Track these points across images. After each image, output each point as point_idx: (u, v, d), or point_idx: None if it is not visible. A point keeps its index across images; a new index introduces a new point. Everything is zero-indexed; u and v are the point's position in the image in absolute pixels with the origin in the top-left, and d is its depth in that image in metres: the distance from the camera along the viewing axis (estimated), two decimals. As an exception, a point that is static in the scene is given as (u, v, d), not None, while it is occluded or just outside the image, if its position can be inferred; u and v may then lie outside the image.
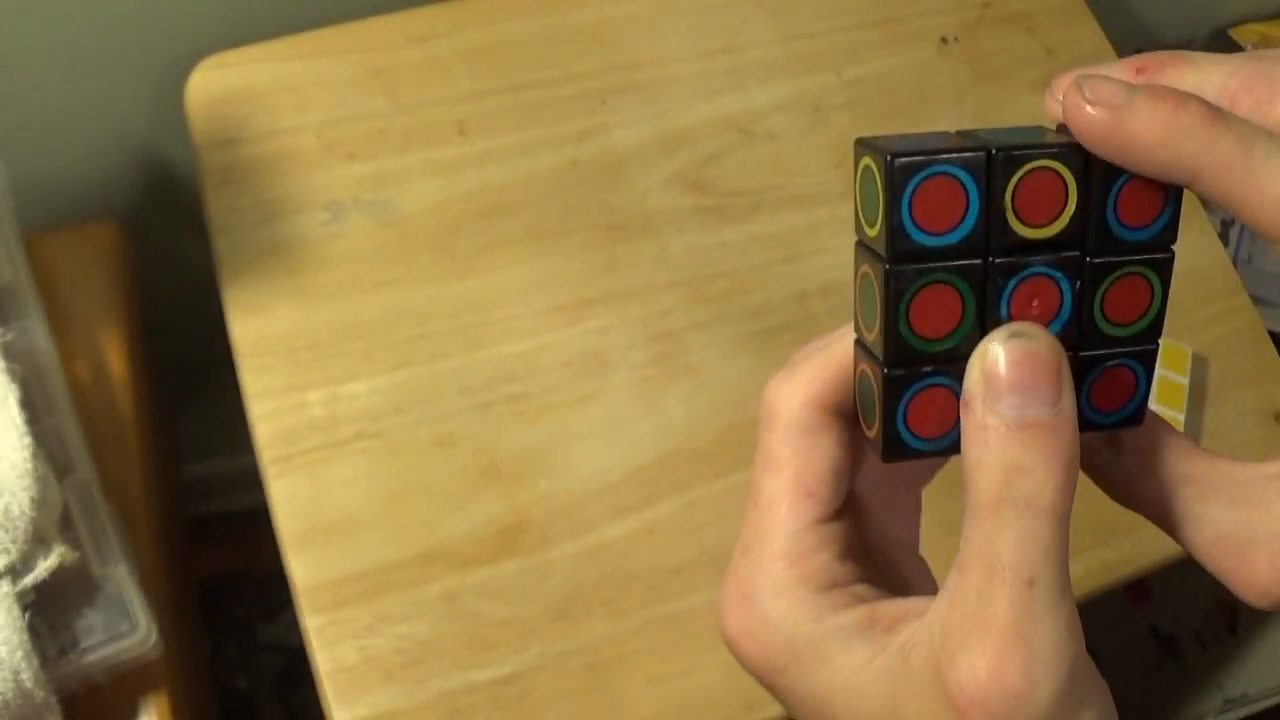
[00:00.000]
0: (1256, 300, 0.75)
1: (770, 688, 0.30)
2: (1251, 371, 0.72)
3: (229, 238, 0.64)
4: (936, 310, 0.28)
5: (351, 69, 0.69)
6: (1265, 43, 1.03)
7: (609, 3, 0.73)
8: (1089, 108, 0.27)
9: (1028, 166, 0.27)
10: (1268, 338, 0.74)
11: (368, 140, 0.67)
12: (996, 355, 0.27)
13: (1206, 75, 0.28)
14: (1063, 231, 0.28)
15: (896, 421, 0.28)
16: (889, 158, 0.27)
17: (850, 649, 0.28)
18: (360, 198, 0.66)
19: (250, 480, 0.60)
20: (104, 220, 0.67)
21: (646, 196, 0.69)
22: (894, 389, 0.28)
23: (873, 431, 0.29)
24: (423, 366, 0.62)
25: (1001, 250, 0.28)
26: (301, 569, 0.58)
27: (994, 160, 0.27)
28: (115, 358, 0.63)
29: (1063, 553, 0.26)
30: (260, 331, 0.62)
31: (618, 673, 0.58)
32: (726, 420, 0.64)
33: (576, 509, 0.61)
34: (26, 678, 0.48)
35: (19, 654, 0.48)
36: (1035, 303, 0.28)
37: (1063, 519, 0.26)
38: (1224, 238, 0.98)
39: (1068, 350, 0.29)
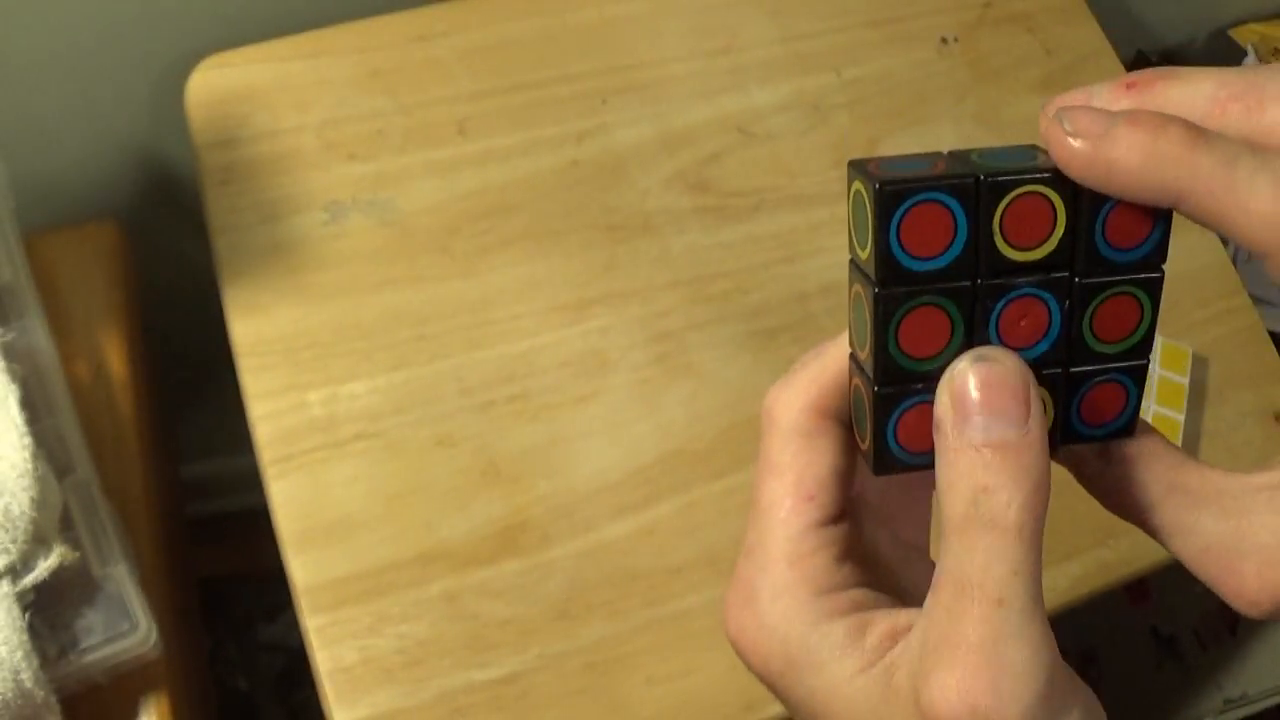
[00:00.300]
0: (1256, 300, 0.75)
1: (771, 688, 0.31)
2: (1251, 371, 0.72)
3: (229, 238, 0.64)
4: (925, 331, 0.28)
5: (351, 69, 0.69)
6: (1265, 43, 1.03)
7: (609, 3, 0.73)
8: (1070, 139, 0.27)
9: (1016, 192, 0.27)
10: (1268, 338, 0.74)
11: (368, 140, 0.67)
12: (964, 379, 0.27)
13: (1196, 86, 0.28)
14: (1051, 253, 0.28)
15: (886, 437, 0.29)
16: (877, 185, 0.27)
17: (840, 659, 0.28)
18: (360, 198, 0.66)
19: (250, 480, 0.60)
20: (104, 220, 0.67)
21: (646, 196, 0.69)
22: (884, 406, 0.29)
23: (865, 444, 0.30)
24: (423, 366, 0.62)
25: (990, 273, 0.28)
26: (301, 569, 0.58)
27: (982, 186, 0.27)
28: (115, 358, 0.63)
29: (1033, 571, 0.26)
30: (260, 331, 0.62)
31: (618, 673, 0.58)
32: (726, 420, 0.64)
33: (576, 509, 0.61)
34: (26, 678, 0.48)
35: (19, 654, 0.48)
36: (1024, 322, 0.29)
37: (1031, 538, 0.26)
38: (1224, 238, 0.98)
39: (1057, 367, 0.29)
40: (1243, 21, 1.07)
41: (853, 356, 0.30)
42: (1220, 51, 1.06)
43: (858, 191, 0.28)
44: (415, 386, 0.62)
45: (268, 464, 0.59)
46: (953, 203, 0.27)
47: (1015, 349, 0.29)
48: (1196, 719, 1.08)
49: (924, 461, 0.29)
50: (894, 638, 0.28)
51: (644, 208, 0.69)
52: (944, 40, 0.77)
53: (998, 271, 0.28)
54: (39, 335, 0.57)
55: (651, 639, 0.59)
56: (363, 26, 0.70)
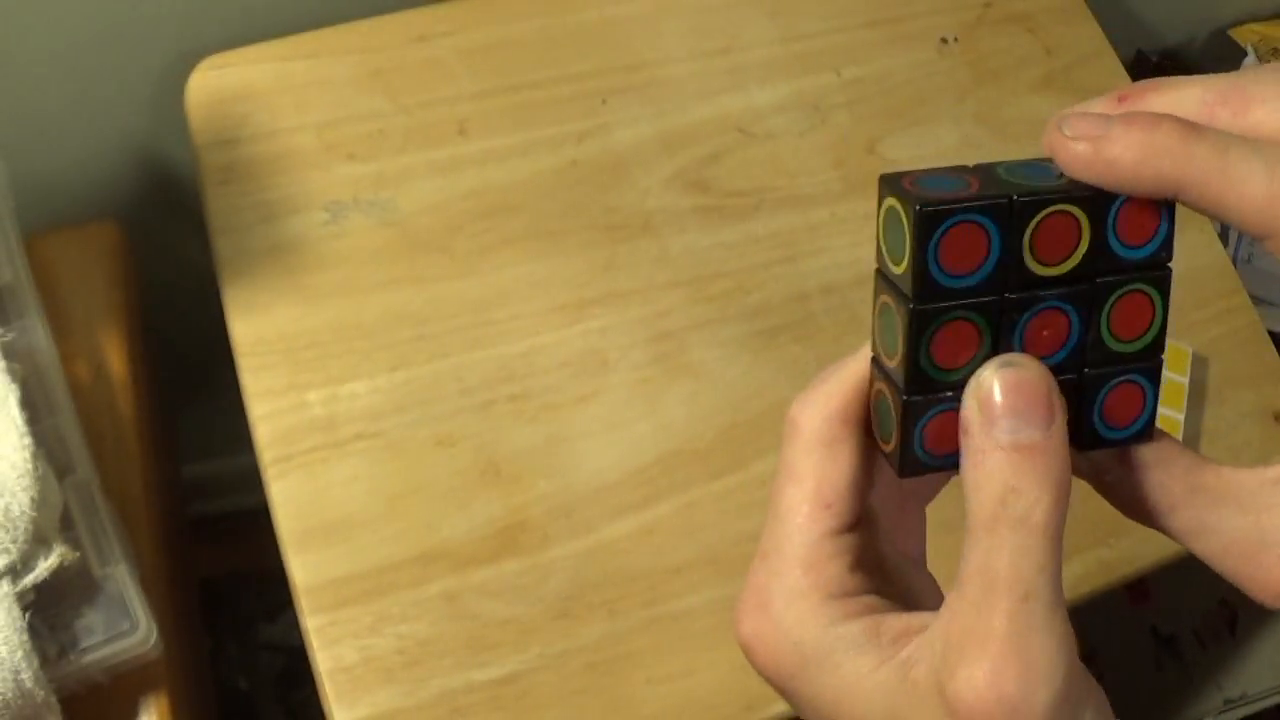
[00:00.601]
0: (1256, 300, 0.75)
1: (782, 692, 0.31)
2: (1251, 371, 0.72)
3: (229, 238, 0.64)
4: (955, 343, 0.29)
5: (351, 69, 0.69)
6: (1265, 43, 1.03)
7: (609, 3, 0.73)
8: (1071, 143, 0.29)
9: (1046, 211, 0.29)
10: (1267, 338, 0.74)
11: (368, 140, 0.67)
12: (991, 383, 0.28)
13: (1184, 93, 0.29)
14: (1075, 268, 0.29)
15: (913, 441, 0.30)
16: (918, 205, 0.28)
17: (856, 656, 0.29)
18: (360, 198, 0.66)
19: (250, 480, 0.60)
20: (104, 220, 0.67)
21: (646, 196, 0.69)
22: (912, 413, 0.30)
23: (889, 447, 0.31)
24: (423, 366, 0.62)
25: (1018, 287, 0.29)
26: (301, 569, 0.58)
27: (1015, 206, 0.29)
28: (115, 358, 0.63)
29: (1056, 568, 0.27)
30: (260, 331, 0.62)
31: (618, 673, 0.58)
32: (726, 420, 0.64)
33: (576, 509, 0.61)
34: (26, 678, 0.48)
35: (19, 654, 0.48)
36: (1046, 333, 0.30)
37: (1055, 537, 0.27)
38: (1224, 238, 0.98)
39: (1079, 368, 0.30)
40: (1242, 21, 1.07)
41: (876, 361, 0.31)
42: (1220, 51, 1.06)
43: (892, 208, 0.29)
44: (415, 386, 0.62)
45: (268, 464, 0.59)
46: (988, 222, 0.28)
47: (1041, 354, 0.30)
48: (1196, 719, 1.08)
49: (949, 463, 0.30)
50: (908, 636, 0.29)
51: (644, 208, 0.69)
52: (944, 40, 0.77)
53: (1025, 286, 0.29)
54: (39, 335, 0.57)
55: (651, 639, 0.59)
56: (363, 26, 0.70)
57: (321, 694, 0.56)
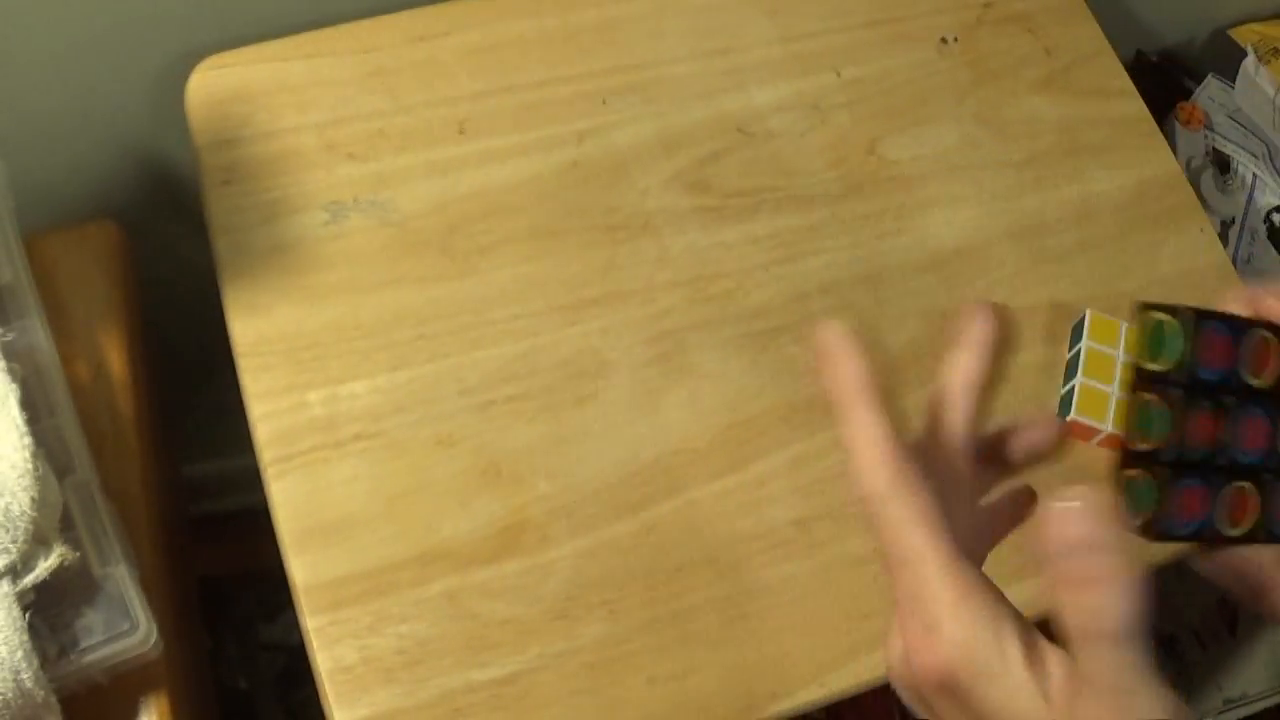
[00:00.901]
0: (1256, 300, 0.75)
1: (931, 705, 0.36)
2: (1251, 371, 0.72)
3: (229, 238, 0.64)
4: (1205, 428, 0.40)
5: (351, 69, 0.69)
6: (1265, 43, 1.03)
7: (609, 3, 0.73)
8: (1266, 297, 0.42)
9: (1255, 331, 0.41)
10: (1267, 338, 0.74)
11: (368, 140, 0.67)
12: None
13: None
14: (1271, 384, 0.41)
15: (1169, 512, 0.40)
16: (1191, 314, 0.40)
17: (1014, 671, 0.34)
18: (360, 198, 0.66)
19: (250, 480, 0.60)
20: (104, 220, 0.67)
21: (646, 196, 0.69)
22: (1171, 486, 0.40)
23: (1141, 519, 0.40)
24: (423, 366, 0.63)
25: (1239, 391, 0.41)
26: (301, 569, 0.58)
27: (1238, 322, 0.41)
28: (115, 358, 0.63)
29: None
30: (260, 331, 0.62)
31: (618, 673, 0.58)
32: (726, 420, 0.64)
33: (576, 509, 0.61)
34: (26, 678, 0.48)
35: (19, 654, 0.48)
36: (1253, 432, 0.41)
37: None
38: (1224, 238, 0.98)
39: (1270, 474, 0.42)
40: (1242, 21, 1.07)
41: (1130, 452, 0.41)
42: (1220, 51, 1.06)
43: (1160, 320, 0.41)
44: (415, 386, 0.62)
45: (268, 464, 0.59)
46: (1226, 330, 0.41)
47: (1247, 449, 0.41)
48: (1196, 719, 1.08)
49: (1188, 530, 0.40)
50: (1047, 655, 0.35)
51: (644, 208, 0.69)
52: (944, 40, 0.77)
53: (1243, 391, 0.41)
54: (39, 335, 0.57)
55: (651, 639, 0.59)
56: (363, 26, 0.70)
57: (321, 694, 0.56)
